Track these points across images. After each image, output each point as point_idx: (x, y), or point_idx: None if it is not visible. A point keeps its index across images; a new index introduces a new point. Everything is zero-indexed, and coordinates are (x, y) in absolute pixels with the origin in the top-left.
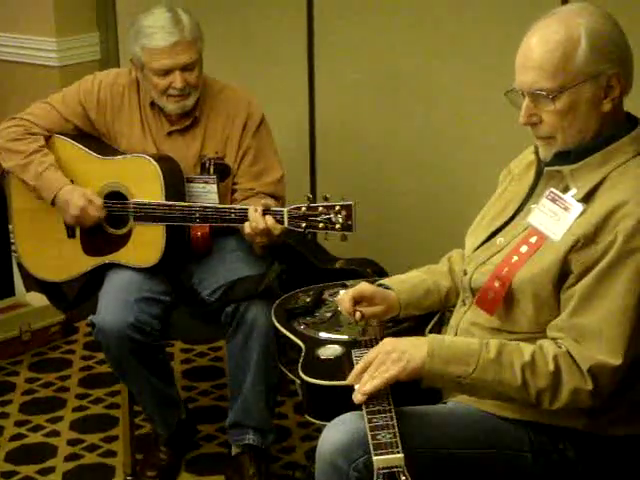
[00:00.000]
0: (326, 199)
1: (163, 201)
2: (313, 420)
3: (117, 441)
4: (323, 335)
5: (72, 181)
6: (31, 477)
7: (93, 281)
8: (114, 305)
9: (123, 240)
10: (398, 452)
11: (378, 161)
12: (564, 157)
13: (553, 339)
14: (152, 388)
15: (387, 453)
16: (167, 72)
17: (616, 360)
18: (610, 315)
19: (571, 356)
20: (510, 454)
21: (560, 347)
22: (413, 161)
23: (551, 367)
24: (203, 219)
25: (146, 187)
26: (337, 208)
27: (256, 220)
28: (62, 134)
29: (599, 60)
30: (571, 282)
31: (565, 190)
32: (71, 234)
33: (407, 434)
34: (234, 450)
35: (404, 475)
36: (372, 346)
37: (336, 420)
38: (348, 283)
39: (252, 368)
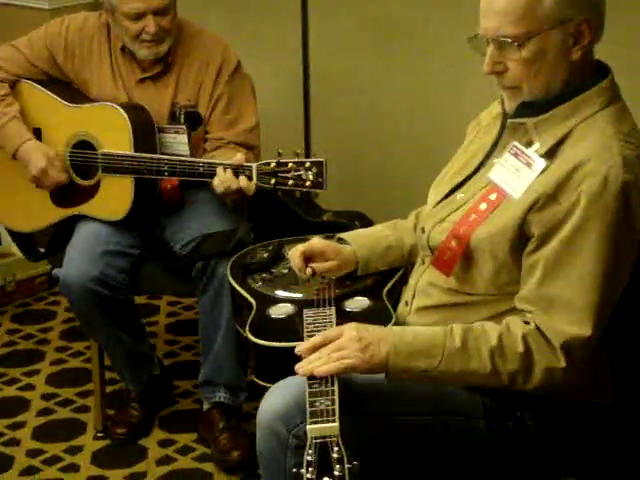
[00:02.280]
0: (297, 155)
1: (131, 152)
2: (260, 382)
3: (92, 396)
4: (278, 293)
5: (40, 129)
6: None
7: (64, 232)
8: (79, 258)
9: (91, 192)
10: (333, 421)
11: (372, 108)
12: (529, 109)
13: (522, 312)
14: (120, 344)
15: (322, 422)
16: (139, 16)
17: (587, 331)
18: (579, 283)
19: (541, 333)
20: (462, 421)
21: (528, 324)
22: (407, 109)
23: (520, 348)
24: (172, 172)
25: (114, 137)
26: (308, 164)
27: (228, 181)
28: (30, 79)
29: (568, 4)
30: (533, 246)
31: (529, 144)
32: None
33: (350, 401)
34: (205, 407)
35: (337, 446)
36: (325, 306)
37: (277, 384)
38: (309, 238)
39: (222, 325)
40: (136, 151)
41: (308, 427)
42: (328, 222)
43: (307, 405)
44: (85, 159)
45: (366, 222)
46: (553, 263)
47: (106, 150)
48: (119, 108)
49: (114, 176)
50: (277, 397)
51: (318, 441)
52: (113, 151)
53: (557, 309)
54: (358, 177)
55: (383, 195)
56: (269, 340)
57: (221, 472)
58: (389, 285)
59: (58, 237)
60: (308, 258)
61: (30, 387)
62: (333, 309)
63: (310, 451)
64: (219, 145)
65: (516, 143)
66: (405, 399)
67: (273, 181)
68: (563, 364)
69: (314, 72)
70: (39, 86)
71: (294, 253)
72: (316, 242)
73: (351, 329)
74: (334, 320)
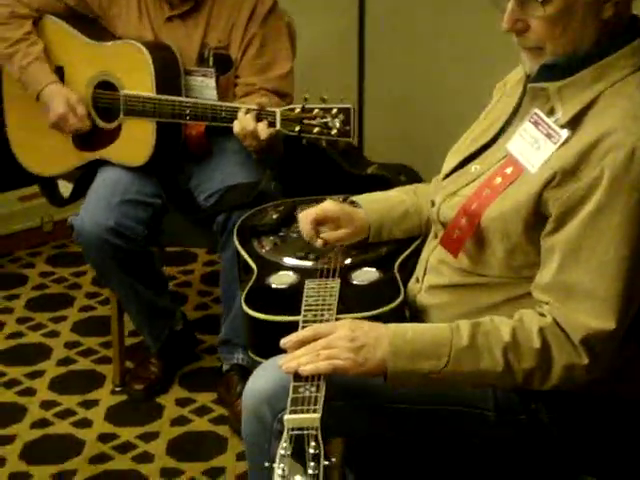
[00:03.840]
0: (323, 101)
1: (152, 94)
2: (255, 357)
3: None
4: (284, 259)
5: (62, 68)
6: (17, 380)
7: (89, 177)
8: (95, 207)
9: (113, 135)
10: (314, 411)
11: (428, 57)
12: (551, 72)
13: (539, 302)
14: (138, 297)
15: (302, 411)
16: None
17: (611, 324)
18: (602, 270)
19: (559, 326)
20: (469, 412)
21: (545, 316)
22: (466, 59)
23: (537, 343)
24: (194, 117)
25: (136, 78)
26: (334, 111)
27: (246, 121)
28: (54, 14)
29: None
30: (551, 228)
31: (551, 112)
32: None
33: (344, 386)
34: (224, 367)
35: (315, 440)
36: (328, 276)
37: (264, 364)
38: (327, 199)
39: None
40: (158, 93)
41: (285, 417)
42: (371, 175)
43: (290, 391)
44: (107, 101)
45: (412, 175)
46: (572, 247)
47: (128, 91)
48: (142, 47)
49: (136, 119)
50: (263, 378)
51: (295, 433)
52: (134, 92)
53: (577, 299)
54: (412, 129)
55: (438, 148)
56: (263, 312)
57: (235, 437)
58: (402, 257)
59: (83, 182)
60: (319, 224)
61: (54, 334)
62: (338, 281)
63: (285, 444)
64: (249, 91)
65: (537, 111)
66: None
67: (297, 128)
68: (585, 361)
69: (370, 18)
70: (63, 22)
71: (304, 218)
72: (329, 207)
73: (345, 327)
74: (337, 294)
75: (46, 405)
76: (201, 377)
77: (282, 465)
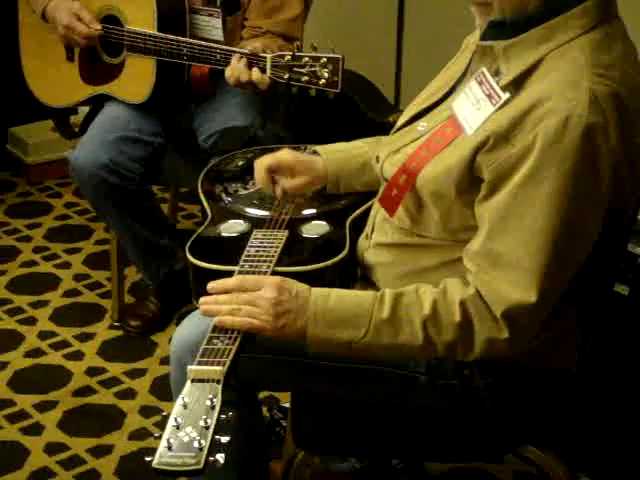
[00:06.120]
0: (314, 49)
1: (153, 32)
2: (196, 305)
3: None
4: (242, 207)
5: None
6: (20, 308)
7: (97, 112)
8: (91, 143)
9: (116, 71)
10: (219, 364)
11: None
12: (499, 30)
13: (466, 269)
14: (134, 235)
15: (207, 363)
16: None
17: (532, 296)
18: (528, 240)
19: (481, 298)
20: (400, 373)
21: (468, 286)
22: None
23: (457, 317)
24: (191, 57)
25: (140, 14)
26: (323, 61)
27: (239, 70)
28: None
29: None
30: (483, 194)
31: (496, 73)
32: (70, 57)
33: (270, 340)
34: None
35: (214, 393)
36: (275, 227)
37: (193, 313)
38: (302, 147)
39: None
40: (160, 31)
41: (189, 367)
42: (393, 123)
43: (204, 342)
44: (113, 35)
45: None
46: (501, 216)
47: (131, 27)
48: None
49: (138, 56)
50: (189, 327)
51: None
52: (137, 29)
53: (502, 269)
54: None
55: None
56: (203, 260)
57: None
58: (356, 213)
59: (91, 117)
60: (274, 172)
61: (66, 265)
62: (286, 232)
63: (184, 394)
64: (256, 34)
65: (483, 69)
66: None
67: (287, 75)
68: (506, 335)
69: None
70: None
71: (259, 166)
72: (285, 155)
73: (272, 288)
74: (281, 245)
75: (43, 335)
76: None
77: (175, 416)
